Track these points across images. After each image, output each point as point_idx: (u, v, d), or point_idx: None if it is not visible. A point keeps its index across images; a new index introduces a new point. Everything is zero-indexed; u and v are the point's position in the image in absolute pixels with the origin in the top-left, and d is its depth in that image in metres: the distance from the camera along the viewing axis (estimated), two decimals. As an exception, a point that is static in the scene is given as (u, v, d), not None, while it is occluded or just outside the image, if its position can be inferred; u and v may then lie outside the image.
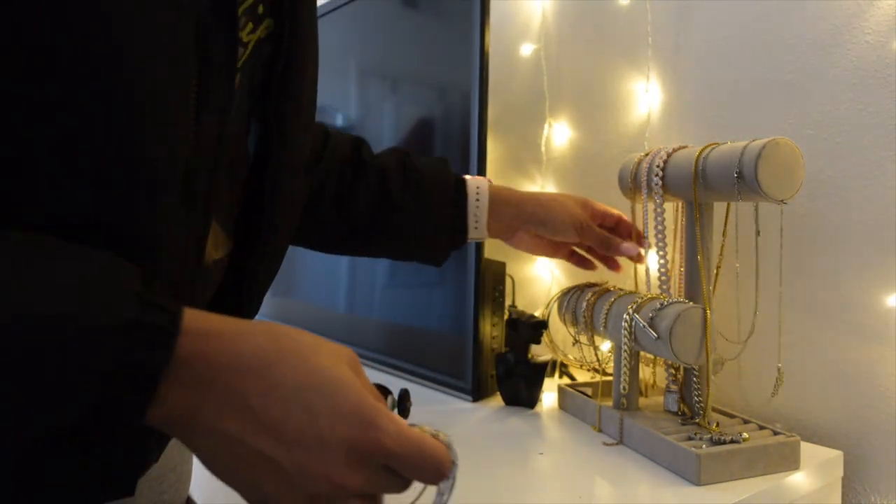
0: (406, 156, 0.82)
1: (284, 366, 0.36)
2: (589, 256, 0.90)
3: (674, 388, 0.77)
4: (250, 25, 0.49)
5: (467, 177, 0.83)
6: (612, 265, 0.89)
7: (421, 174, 0.80)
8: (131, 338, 0.32)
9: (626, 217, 0.87)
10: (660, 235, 0.78)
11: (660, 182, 0.77)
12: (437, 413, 0.88)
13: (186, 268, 0.44)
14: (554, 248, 0.87)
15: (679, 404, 0.77)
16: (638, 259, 0.84)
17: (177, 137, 0.40)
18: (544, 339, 0.92)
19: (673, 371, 0.77)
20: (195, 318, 0.36)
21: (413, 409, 0.83)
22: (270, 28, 0.51)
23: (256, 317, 0.62)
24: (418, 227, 0.79)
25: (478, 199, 0.80)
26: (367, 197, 0.78)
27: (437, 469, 0.37)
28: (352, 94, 1.27)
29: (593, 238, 0.83)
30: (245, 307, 0.57)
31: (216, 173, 0.44)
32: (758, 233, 0.74)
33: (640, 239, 0.84)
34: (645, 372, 0.88)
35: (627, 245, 0.83)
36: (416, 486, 0.39)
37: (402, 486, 0.38)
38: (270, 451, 0.35)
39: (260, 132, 0.54)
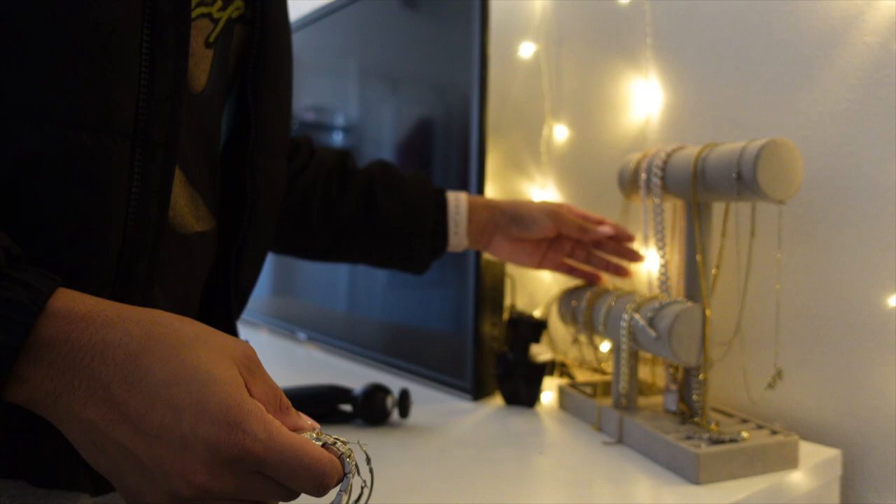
0: (390, 166, 0.85)
1: (152, 357, 0.34)
2: (584, 267, 0.88)
3: (673, 387, 0.77)
4: (219, 2, 0.51)
5: (448, 191, 0.86)
6: (619, 270, 0.86)
7: (404, 181, 0.83)
8: None
9: (610, 220, 0.87)
10: (659, 235, 0.78)
11: (659, 182, 0.77)
12: (437, 413, 0.88)
13: (149, 221, 0.44)
14: (536, 253, 0.85)
15: (678, 404, 0.77)
16: (620, 242, 0.84)
17: (123, 74, 0.41)
18: (544, 338, 0.92)
19: (672, 370, 0.78)
20: (67, 300, 0.35)
21: (413, 409, 0.84)
22: (241, 10, 0.54)
23: (246, 315, 0.62)
24: (401, 230, 0.81)
25: (457, 206, 0.83)
26: (353, 202, 0.81)
27: (317, 479, 0.35)
28: (352, 94, 1.27)
29: (568, 225, 0.82)
30: (231, 302, 0.58)
31: (176, 130, 0.45)
32: (752, 233, 0.74)
33: (626, 236, 0.84)
34: (645, 372, 0.88)
35: (604, 227, 0.82)
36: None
37: (286, 495, 0.36)
38: (131, 443, 0.34)
39: (238, 115, 0.57)
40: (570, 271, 0.87)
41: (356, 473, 0.37)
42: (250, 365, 0.37)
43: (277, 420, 0.36)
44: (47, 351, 0.34)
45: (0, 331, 0.33)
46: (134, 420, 0.33)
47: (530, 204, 0.84)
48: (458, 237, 0.83)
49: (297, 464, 0.34)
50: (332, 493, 0.37)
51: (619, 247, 0.85)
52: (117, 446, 0.34)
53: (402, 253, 0.83)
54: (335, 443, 0.37)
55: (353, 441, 0.38)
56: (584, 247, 0.86)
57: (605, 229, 0.83)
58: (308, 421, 0.39)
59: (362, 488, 0.39)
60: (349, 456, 0.37)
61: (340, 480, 0.36)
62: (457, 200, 0.83)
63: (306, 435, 0.37)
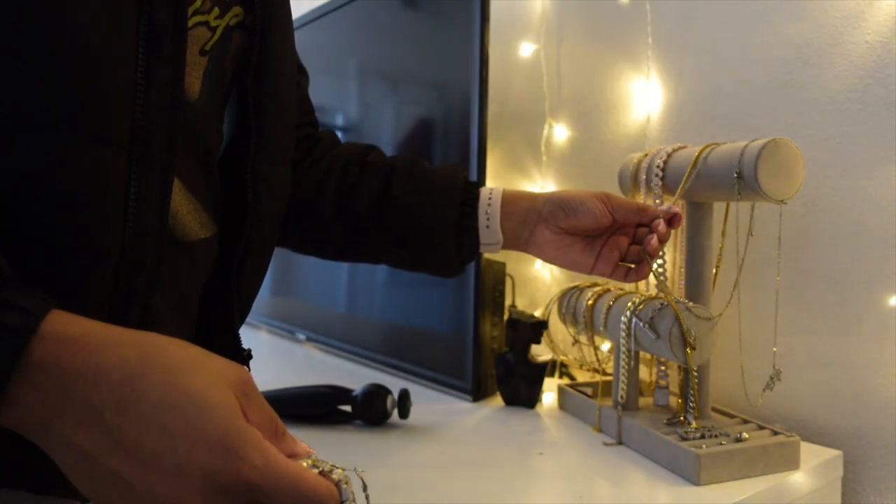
0: (417, 158, 0.76)
1: (147, 381, 0.33)
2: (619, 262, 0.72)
3: (663, 383, 0.78)
4: (216, 10, 0.50)
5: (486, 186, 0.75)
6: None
7: (428, 171, 0.74)
8: None
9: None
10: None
11: (660, 182, 0.77)
12: (437, 413, 0.88)
13: (148, 232, 0.44)
14: (589, 251, 0.71)
15: (668, 398, 0.77)
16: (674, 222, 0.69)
17: (118, 85, 0.41)
18: (544, 339, 0.92)
19: (664, 367, 0.77)
20: (60, 322, 0.34)
21: (413, 409, 0.83)
22: (240, 17, 0.53)
23: (251, 317, 0.61)
24: (421, 223, 0.72)
25: (490, 198, 0.72)
26: (369, 193, 0.73)
27: None
28: (352, 94, 1.27)
29: (623, 206, 0.70)
30: (233, 310, 0.57)
31: (173, 139, 0.44)
32: (750, 233, 0.74)
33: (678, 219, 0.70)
34: (645, 372, 0.88)
35: (665, 206, 0.70)
36: None
37: None
38: (123, 470, 0.33)
39: (240, 121, 0.56)
40: (626, 276, 0.72)
41: (353, 500, 0.37)
42: (246, 389, 0.36)
43: (274, 446, 0.35)
44: (39, 374, 0.33)
45: None
46: (127, 445, 0.33)
47: (577, 190, 0.73)
48: (490, 232, 0.71)
49: (294, 492, 0.34)
50: None
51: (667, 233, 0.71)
52: (108, 473, 0.33)
53: (424, 250, 0.73)
54: (332, 470, 0.37)
55: (350, 468, 0.38)
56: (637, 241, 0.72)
57: (665, 207, 0.71)
58: (303, 446, 0.38)
59: None
60: (346, 483, 0.36)
61: None
62: (490, 192, 0.73)
63: (303, 462, 0.37)
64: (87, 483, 0.34)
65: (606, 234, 0.72)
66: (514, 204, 0.72)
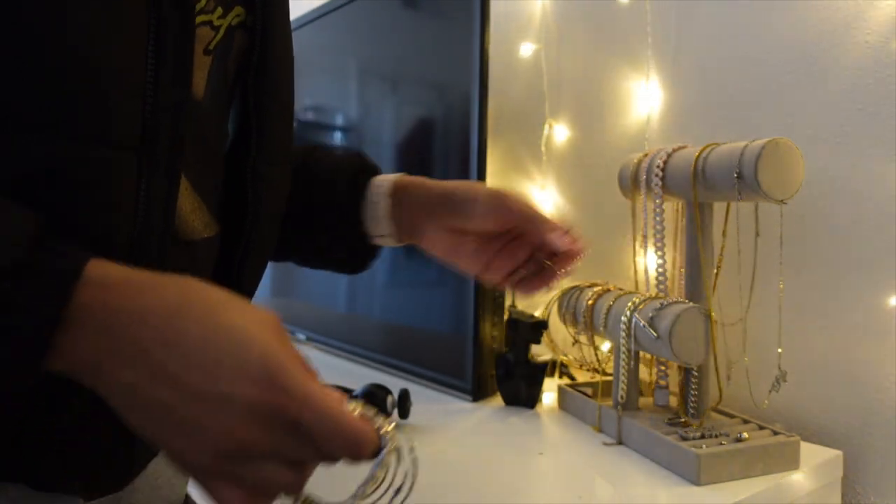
0: (312, 147, 0.71)
1: (189, 318, 0.35)
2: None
3: (663, 383, 0.78)
4: (220, 10, 0.51)
5: (383, 175, 0.68)
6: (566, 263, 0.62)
7: (317, 164, 0.69)
8: (21, 281, 0.32)
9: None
10: (658, 235, 0.78)
11: (660, 182, 0.77)
12: (437, 413, 0.88)
13: (153, 232, 0.44)
14: (482, 254, 0.64)
15: (668, 398, 0.77)
16: (570, 249, 0.61)
17: (128, 87, 0.41)
18: (544, 339, 0.92)
19: (664, 367, 0.78)
20: (100, 267, 0.35)
21: (413, 409, 0.83)
22: (242, 17, 0.53)
23: None
24: (308, 216, 0.67)
25: (380, 186, 0.66)
26: None
27: (353, 446, 0.35)
28: (352, 94, 1.27)
29: (517, 214, 0.61)
30: None
31: (180, 138, 0.45)
32: (757, 234, 0.74)
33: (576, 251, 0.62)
34: (645, 372, 0.88)
35: (564, 235, 0.61)
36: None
37: (322, 457, 0.36)
38: (172, 403, 0.34)
39: (241, 121, 0.56)
40: (516, 286, 0.65)
41: (394, 451, 0.36)
42: (281, 336, 0.38)
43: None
44: (86, 318, 0.34)
45: (39, 301, 0.33)
46: (173, 379, 0.34)
47: (474, 185, 0.64)
48: (378, 223, 0.66)
49: (333, 426, 0.35)
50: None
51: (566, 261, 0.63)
52: (157, 404, 0.34)
53: (315, 247, 0.69)
54: (373, 417, 0.36)
55: (398, 428, 0.37)
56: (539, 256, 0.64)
57: (563, 238, 0.61)
58: (335, 392, 0.38)
59: (405, 476, 0.38)
60: (388, 431, 0.36)
61: (376, 454, 0.36)
62: (382, 180, 0.67)
63: (348, 405, 0.36)
64: (136, 416, 0.36)
65: (505, 239, 0.63)
66: (405, 194, 0.65)
